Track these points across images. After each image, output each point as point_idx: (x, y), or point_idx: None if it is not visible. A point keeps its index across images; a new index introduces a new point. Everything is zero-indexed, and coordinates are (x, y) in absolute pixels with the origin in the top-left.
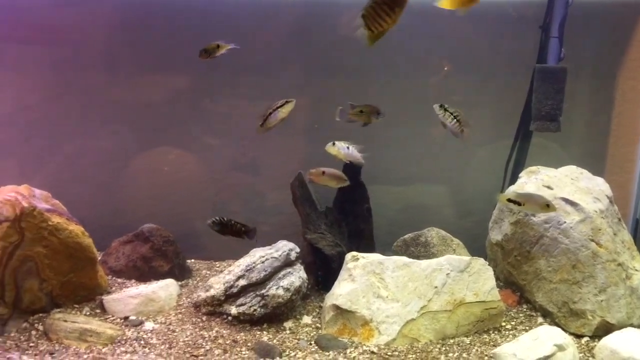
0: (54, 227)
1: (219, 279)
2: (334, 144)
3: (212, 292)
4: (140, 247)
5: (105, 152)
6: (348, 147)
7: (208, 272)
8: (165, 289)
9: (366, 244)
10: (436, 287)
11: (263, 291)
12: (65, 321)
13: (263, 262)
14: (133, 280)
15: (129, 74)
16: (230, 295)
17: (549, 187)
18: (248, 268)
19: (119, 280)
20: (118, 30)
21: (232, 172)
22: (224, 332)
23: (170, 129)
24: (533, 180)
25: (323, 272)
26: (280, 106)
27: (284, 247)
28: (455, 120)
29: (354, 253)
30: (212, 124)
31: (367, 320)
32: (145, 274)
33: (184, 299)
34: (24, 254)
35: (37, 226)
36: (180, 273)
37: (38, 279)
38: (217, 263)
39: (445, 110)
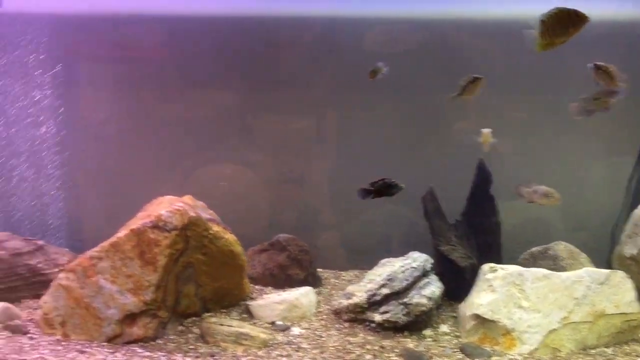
0: (213, 235)
1: (360, 287)
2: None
3: (355, 299)
4: (276, 256)
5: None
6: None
7: (336, 281)
8: (305, 296)
9: (494, 257)
10: (576, 298)
11: (405, 300)
12: (221, 325)
13: (403, 272)
14: (270, 287)
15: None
16: (374, 303)
17: None
18: (390, 277)
19: (257, 287)
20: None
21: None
22: (370, 338)
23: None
24: None
25: (454, 283)
26: (472, 82)
27: (420, 258)
28: (608, 77)
29: (492, 264)
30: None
31: (509, 329)
32: (281, 282)
33: (323, 305)
34: (186, 260)
35: (200, 234)
36: (314, 281)
37: (195, 284)
38: (342, 273)
39: (599, 68)
